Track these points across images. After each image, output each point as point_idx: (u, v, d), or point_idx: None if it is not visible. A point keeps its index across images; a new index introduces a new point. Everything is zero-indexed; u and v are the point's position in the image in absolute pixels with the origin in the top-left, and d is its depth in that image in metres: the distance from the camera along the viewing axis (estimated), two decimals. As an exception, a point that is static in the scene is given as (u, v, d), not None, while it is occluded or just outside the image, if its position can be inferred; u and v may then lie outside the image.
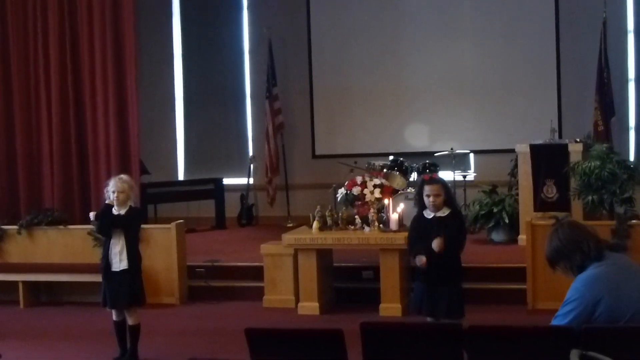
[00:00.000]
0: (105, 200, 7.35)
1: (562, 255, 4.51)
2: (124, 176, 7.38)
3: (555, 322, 4.38)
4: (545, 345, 4.19)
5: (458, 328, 4.46)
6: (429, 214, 6.60)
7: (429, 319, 6.52)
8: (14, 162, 11.21)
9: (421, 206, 6.67)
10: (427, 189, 6.59)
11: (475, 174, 12.59)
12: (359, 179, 9.48)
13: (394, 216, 8.56)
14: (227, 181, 13.90)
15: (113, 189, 7.15)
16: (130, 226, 7.23)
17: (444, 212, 6.56)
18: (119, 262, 7.19)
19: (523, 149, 10.44)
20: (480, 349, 4.26)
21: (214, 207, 13.59)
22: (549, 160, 10.12)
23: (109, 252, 7.22)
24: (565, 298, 4.41)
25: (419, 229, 6.68)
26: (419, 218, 6.70)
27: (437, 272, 6.49)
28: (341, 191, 9.49)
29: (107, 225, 7.25)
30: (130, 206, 7.26)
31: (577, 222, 4.93)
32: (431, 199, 6.52)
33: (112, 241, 7.21)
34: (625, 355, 3.92)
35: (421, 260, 6.54)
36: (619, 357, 3.73)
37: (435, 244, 6.43)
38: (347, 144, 13.77)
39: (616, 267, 4.41)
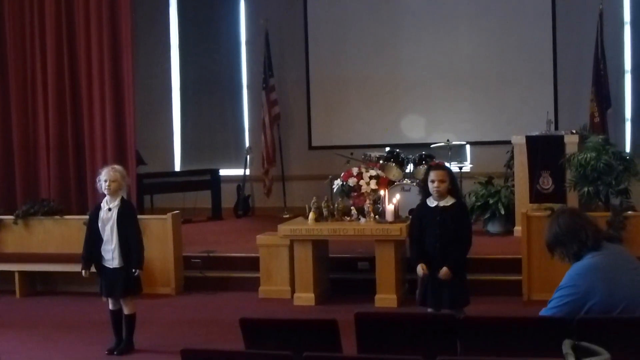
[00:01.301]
0: (98, 189, 7.34)
1: (560, 242, 4.53)
2: (116, 166, 7.36)
3: (549, 305, 4.40)
4: (539, 336, 4.20)
5: (452, 319, 4.48)
6: (432, 202, 6.58)
7: (429, 310, 6.51)
8: (10, 152, 11.20)
9: (425, 193, 6.68)
10: (432, 174, 6.57)
11: (471, 166, 12.58)
12: (355, 170, 9.49)
13: (389, 207, 8.56)
14: (223, 172, 13.90)
15: (105, 178, 7.14)
16: (122, 220, 7.18)
17: (448, 202, 6.54)
18: (112, 259, 7.19)
19: (519, 140, 10.44)
20: (474, 339, 4.28)
21: (210, 198, 13.59)
22: (545, 151, 10.12)
23: (102, 247, 7.22)
24: (560, 284, 4.42)
25: (421, 217, 6.68)
26: (422, 206, 6.70)
27: (440, 265, 6.49)
28: (337, 182, 9.49)
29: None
30: (122, 198, 7.25)
31: (578, 210, 4.94)
32: (435, 184, 6.49)
33: (105, 239, 7.20)
34: (617, 345, 3.93)
35: (421, 270, 6.55)
36: (611, 347, 3.74)
37: (442, 273, 6.46)
38: (344, 135, 13.78)
39: (612, 258, 4.43)
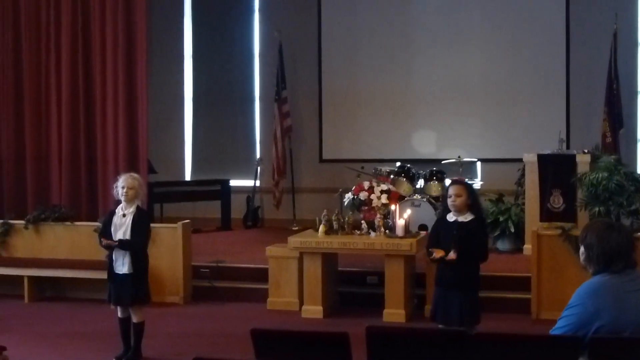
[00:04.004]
0: (113, 196, 7.36)
1: (588, 256, 4.43)
2: (134, 174, 7.41)
3: (557, 324, 4.37)
4: (551, 354, 4.18)
5: (463, 335, 4.47)
6: (451, 217, 6.62)
7: (440, 326, 6.52)
8: (22, 159, 11.25)
9: (444, 208, 6.73)
10: (450, 189, 6.67)
11: (482, 183, 12.58)
12: (366, 184, 9.49)
13: (400, 222, 8.57)
14: (233, 183, 13.90)
15: (123, 185, 7.17)
16: (135, 232, 7.19)
17: (467, 218, 6.57)
18: (122, 265, 7.19)
19: (531, 158, 10.43)
20: (485, 356, 4.26)
21: (220, 208, 13.59)
22: (556, 170, 10.12)
23: (112, 254, 7.23)
24: (569, 303, 4.40)
25: (438, 231, 6.72)
26: (441, 220, 6.76)
27: (452, 278, 6.51)
28: (348, 196, 9.49)
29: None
30: (137, 206, 7.27)
31: (629, 232, 4.75)
32: (452, 198, 6.56)
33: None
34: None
35: (435, 252, 6.56)
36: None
37: (451, 254, 6.47)
38: (354, 149, 13.80)
39: (622, 279, 4.39)
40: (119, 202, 7.31)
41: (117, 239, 7.15)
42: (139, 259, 7.25)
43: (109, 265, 7.29)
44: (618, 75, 12.16)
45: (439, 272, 6.70)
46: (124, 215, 7.19)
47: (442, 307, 6.55)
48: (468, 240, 6.51)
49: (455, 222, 6.56)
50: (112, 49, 10.80)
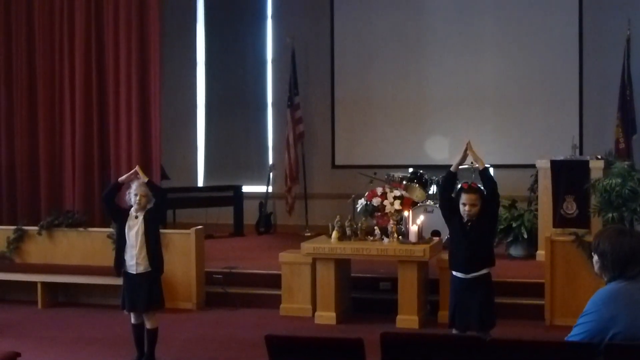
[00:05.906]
0: (126, 202, 7.35)
1: (603, 264, 4.41)
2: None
3: (573, 331, 4.35)
4: (566, 360, 4.18)
5: (478, 341, 4.46)
6: (462, 219, 6.60)
7: (454, 331, 6.47)
8: (36, 165, 11.29)
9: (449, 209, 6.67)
10: (463, 197, 6.50)
11: (494, 189, 12.53)
12: (379, 190, 9.48)
13: (413, 228, 8.56)
14: (246, 189, 13.93)
15: (135, 192, 7.15)
16: (149, 224, 7.20)
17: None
18: (136, 264, 7.17)
19: (543, 164, 10.40)
20: (500, 362, 4.26)
21: (233, 214, 13.61)
22: (569, 176, 10.08)
23: (126, 253, 7.20)
24: (584, 310, 4.38)
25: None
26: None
27: (467, 281, 6.47)
28: (361, 202, 9.49)
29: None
30: (149, 209, 7.27)
31: None
32: (467, 207, 6.45)
33: (130, 243, 7.19)
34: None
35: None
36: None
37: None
38: (367, 155, 13.79)
39: (637, 285, 4.37)
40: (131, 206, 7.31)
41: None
42: (157, 256, 7.25)
43: (121, 265, 7.28)
44: (631, 81, 12.13)
45: (454, 278, 6.67)
46: (136, 217, 7.20)
47: (459, 313, 6.50)
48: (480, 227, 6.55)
49: (468, 220, 6.54)
50: (125, 55, 10.84)
